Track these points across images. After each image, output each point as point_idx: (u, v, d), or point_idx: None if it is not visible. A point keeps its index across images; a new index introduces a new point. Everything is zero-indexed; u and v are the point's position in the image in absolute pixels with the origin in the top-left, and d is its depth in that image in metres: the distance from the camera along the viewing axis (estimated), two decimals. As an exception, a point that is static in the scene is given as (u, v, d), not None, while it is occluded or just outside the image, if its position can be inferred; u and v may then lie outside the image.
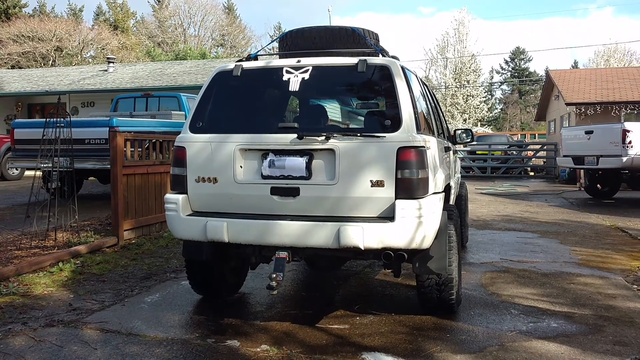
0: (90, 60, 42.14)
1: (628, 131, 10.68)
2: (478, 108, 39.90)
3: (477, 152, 22.00)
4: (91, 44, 42.04)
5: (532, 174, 21.72)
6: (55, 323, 4.00)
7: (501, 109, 57.01)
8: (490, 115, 43.63)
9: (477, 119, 40.20)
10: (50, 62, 38.84)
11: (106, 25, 45.71)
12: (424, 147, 3.59)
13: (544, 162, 22.20)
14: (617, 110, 19.03)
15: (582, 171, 14.04)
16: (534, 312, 4.23)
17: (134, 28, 52.10)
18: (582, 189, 14.22)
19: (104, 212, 8.56)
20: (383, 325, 3.94)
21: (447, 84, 40.75)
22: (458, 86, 40.11)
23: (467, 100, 39.92)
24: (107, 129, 8.43)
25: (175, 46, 47.04)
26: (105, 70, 24.42)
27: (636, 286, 5.00)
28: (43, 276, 5.21)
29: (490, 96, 50.48)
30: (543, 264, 5.89)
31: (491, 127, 47.27)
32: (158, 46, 48.39)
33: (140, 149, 7.39)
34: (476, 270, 5.59)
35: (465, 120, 39.31)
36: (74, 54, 40.70)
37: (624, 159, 10.63)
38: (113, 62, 25.34)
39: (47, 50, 38.73)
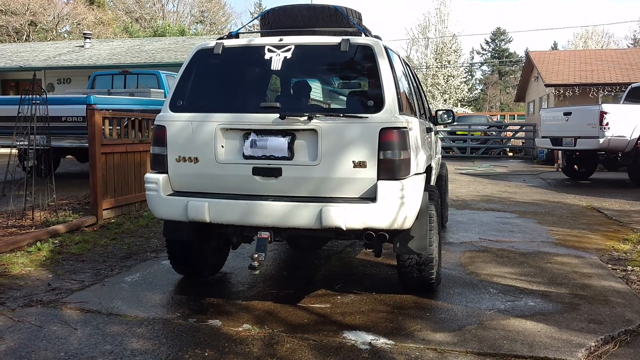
0: (65, 35, 41.11)
1: (605, 113, 10.81)
2: (458, 88, 40.01)
3: (457, 133, 22.15)
4: (66, 18, 40.95)
5: (511, 154, 21.97)
6: (34, 303, 3.96)
7: (481, 90, 57.31)
8: (471, 95, 43.80)
9: (457, 100, 40.34)
10: (25, 37, 37.83)
11: (82, 0, 44.54)
12: (407, 128, 3.59)
13: (523, 142, 22.45)
14: (595, 92, 19.25)
15: (559, 152, 14.24)
16: (512, 291, 4.30)
17: (111, 3, 50.82)
18: (560, 169, 14.43)
19: (82, 191, 8.45)
20: (364, 304, 3.98)
21: (428, 64, 40.73)
22: (439, 66, 40.11)
23: (447, 81, 39.98)
24: (85, 106, 8.28)
25: (154, 22, 46.11)
26: (82, 46, 23.91)
27: (611, 265, 5.11)
28: (21, 256, 5.14)
29: (470, 77, 50.66)
30: (521, 243, 5.98)
31: (471, 107, 47.51)
32: (136, 22, 47.38)
33: (119, 127, 7.29)
34: (456, 249, 5.66)
35: (445, 100, 39.41)
36: (48, 28, 39.67)
37: (601, 140, 10.78)
38: (90, 38, 24.80)
39: (21, 24, 37.68)
